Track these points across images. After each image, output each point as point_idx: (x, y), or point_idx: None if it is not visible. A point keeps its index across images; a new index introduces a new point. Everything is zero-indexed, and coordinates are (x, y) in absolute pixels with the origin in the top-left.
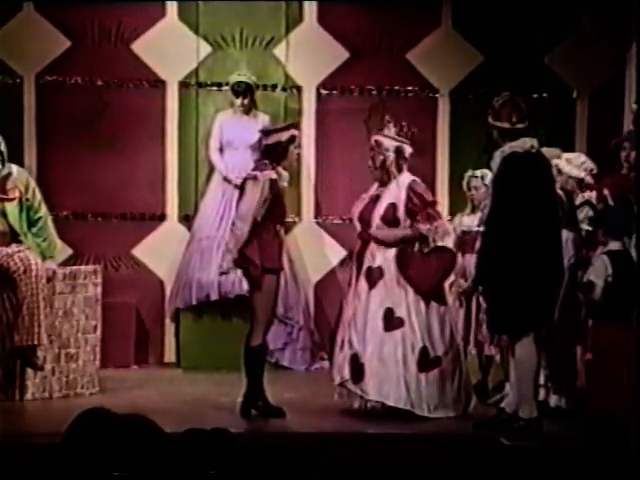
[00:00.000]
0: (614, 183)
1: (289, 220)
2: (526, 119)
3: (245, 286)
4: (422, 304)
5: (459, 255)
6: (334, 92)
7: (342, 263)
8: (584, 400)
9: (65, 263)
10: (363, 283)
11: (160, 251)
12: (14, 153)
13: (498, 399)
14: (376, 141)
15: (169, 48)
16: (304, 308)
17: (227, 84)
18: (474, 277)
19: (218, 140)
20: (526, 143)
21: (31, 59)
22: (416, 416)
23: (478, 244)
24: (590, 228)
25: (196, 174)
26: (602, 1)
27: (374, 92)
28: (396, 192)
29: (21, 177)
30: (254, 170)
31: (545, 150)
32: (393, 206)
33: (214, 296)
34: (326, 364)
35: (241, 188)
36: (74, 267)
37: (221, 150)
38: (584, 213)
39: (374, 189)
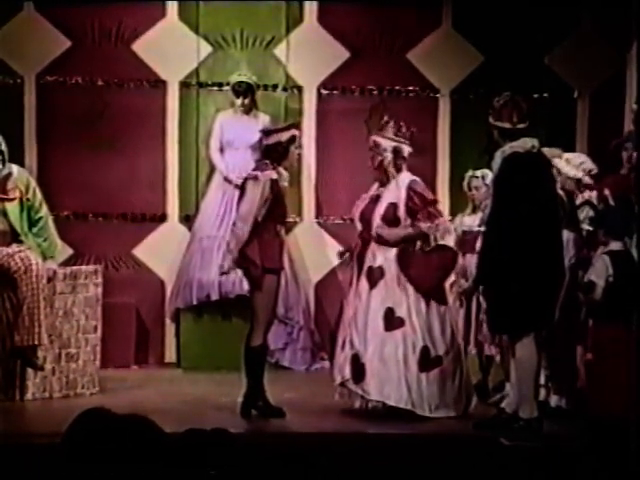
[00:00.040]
0: (615, 183)
1: (290, 220)
2: (527, 119)
3: (245, 286)
4: (423, 304)
5: (460, 255)
6: (335, 92)
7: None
8: (584, 400)
9: (66, 263)
10: (364, 283)
11: (160, 251)
12: (14, 153)
13: (498, 399)
14: (374, 141)
15: (169, 48)
16: (304, 308)
17: (228, 84)
18: (475, 277)
19: (218, 140)
20: (527, 143)
21: (31, 59)
22: (417, 416)
23: (479, 244)
24: (591, 228)
25: (197, 174)
26: (602, 1)
27: (375, 92)
28: (396, 192)
29: (22, 177)
30: (255, 170)
31: (546, 150)
32: (393, 206)
33: (214, 296)
34: (326, 364)
35: (242, 188)
36: (75, 267)
37: (222, 150)
38: (584, 213)
39: (374, 189)
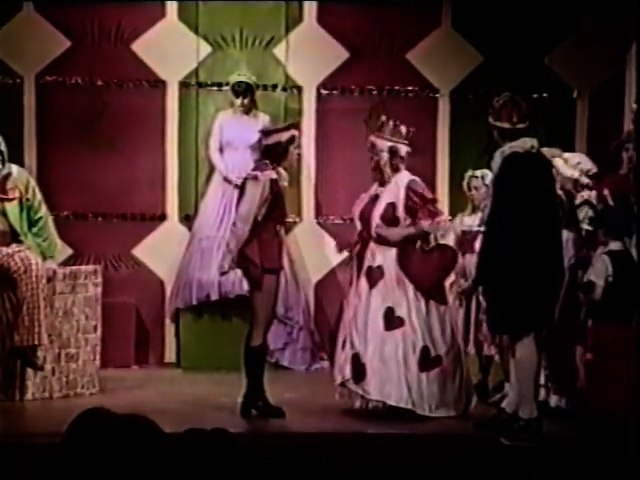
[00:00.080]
0: (614, 183)
1: (289, 220)
2: (526, 119)
3: (245, 286)
4: (423, 303)
5: (459, 255)
6: (334, 92)
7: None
8: (584, 400)
9: (65, 263)
10: (363, 283)
11: (160, 251)
12: (14, 153)
13: (498, 399)
14: (371, 142)
15: (169, 48)
16: (304, 308)
17: (227, 84)
18: (474, 277)
19: (218, 140)
20: (526, 143)
21: (31, 59)
22: (417, 416)
23: (478, 244)
24: (590, 228)
25: (196, 174)
26: (602, 1)
27: (374, 92)
28: (395, 192)
29: (21, 177)
30: (254, 170)
31: (545, 150)
32: (392, 206)
33: (214, 296)
34: (326, 364)
35: (241, 188)
36: (74, 267)
37: (221, 150)
38: (583, 213)
39: (374, 189)
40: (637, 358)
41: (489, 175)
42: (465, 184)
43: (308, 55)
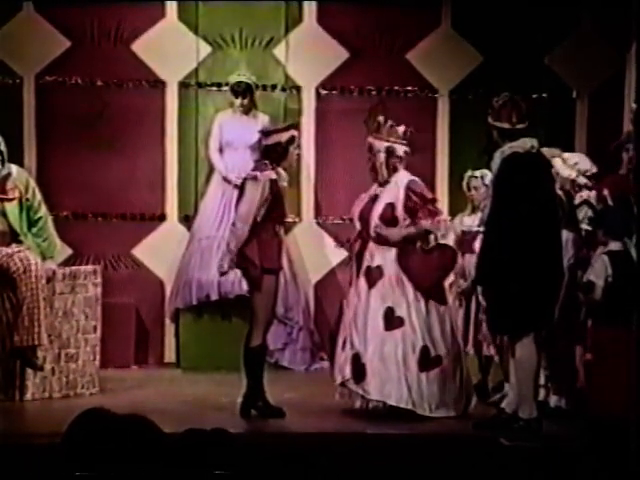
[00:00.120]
0: (613, 183)
1: (289, 220)
2: (526, 119)
3: (245, 286)
4: (422, 303)
5: (459, 255)
6: (334, 92)
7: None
8: (584, 400)
9: (65, 263)
10: (362, 283)
11: (160, 251)
12: (14, 153)
13: (498, 399)
14: (368, 143)
15: (169, 48)
16: (304, 308)
17: (227, 84)
18: (474, 277)
19: (218, 140)
20: (526, 143)
21: (31, 59)
22: (417, 416)
23: (478, 244)
24: (590, 228)
25: (196, 174)
26: (602, 1)
27: (374, 92)
28: (394, 192)
29: (21, 177)
30: (254, 170)
31: (545, 150)
32: (391, 206)
33: (214, 296)
34: (326, 364)
35: (241, 188)
36: (74, 267)
37: (221, 150)
38: (583, 213)
39: (374, 189)
40: (637, 358)
41: (489, 175)
42: (465, 184)
43: (308, 55)
